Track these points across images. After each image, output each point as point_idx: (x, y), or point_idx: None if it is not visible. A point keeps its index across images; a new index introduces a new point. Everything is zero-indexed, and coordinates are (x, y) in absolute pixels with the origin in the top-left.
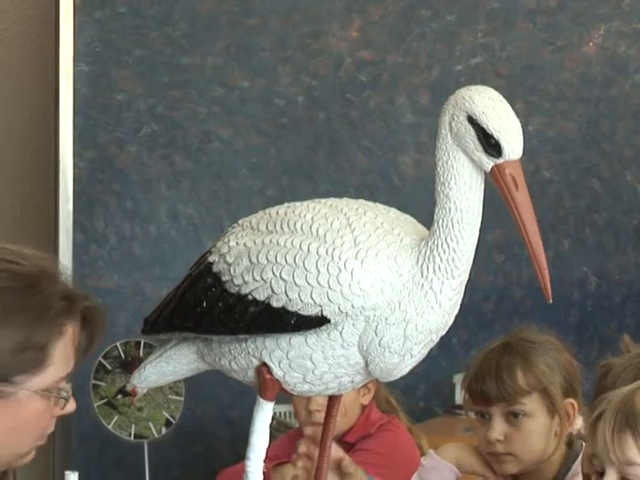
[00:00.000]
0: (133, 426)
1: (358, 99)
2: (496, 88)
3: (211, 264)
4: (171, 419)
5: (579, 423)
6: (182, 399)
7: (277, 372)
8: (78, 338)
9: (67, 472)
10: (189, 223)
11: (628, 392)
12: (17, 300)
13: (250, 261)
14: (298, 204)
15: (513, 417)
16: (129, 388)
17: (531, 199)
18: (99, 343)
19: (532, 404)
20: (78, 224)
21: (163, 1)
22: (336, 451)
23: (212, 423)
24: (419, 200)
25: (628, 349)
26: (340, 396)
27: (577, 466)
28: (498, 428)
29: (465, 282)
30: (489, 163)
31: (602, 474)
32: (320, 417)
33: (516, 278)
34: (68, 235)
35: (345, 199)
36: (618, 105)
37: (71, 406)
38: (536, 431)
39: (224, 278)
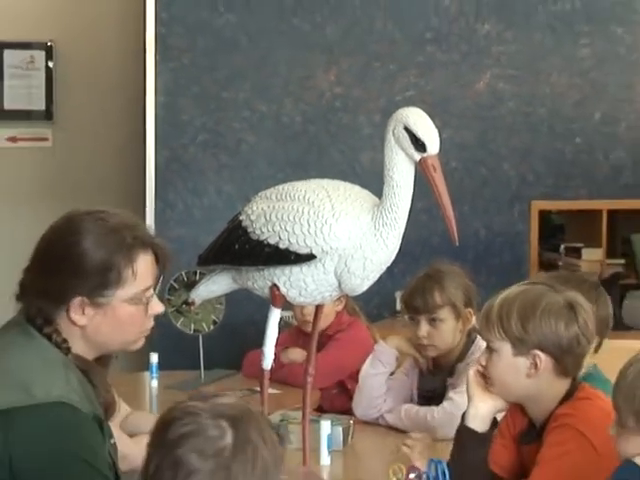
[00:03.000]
0: (192, 324)
1: (335, 118)
2: (422, 110)
3: (241, 221)
4: (217, 320)
5: (473, 321)
6: (223, 307)
7: (283, 290)
8: (153, 264)
9: (151, 353)
10: (228, 196)
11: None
12: (102, 239)
13: (265, 219)
14: (296, 182)
15: (433, 322)
16: (190, 300)
17: (444, 180)
18: (169, 266)
19: (445, 313)
20: (158, 197)
21: (211, 56)
22: None
23: (242, 323)
24: (373, 182)
25: None
26: (323, 305)
27: (473, 348)
28: (424, 329)
29: (402, 233)
30: (418, 156)
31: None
32: (310, 319)
33: (434, 231)
34: (151, 204)
35: (326, 180)
36: (498, 121)
37: (159, 307)
38: (448, 330)
39: (249, 230)
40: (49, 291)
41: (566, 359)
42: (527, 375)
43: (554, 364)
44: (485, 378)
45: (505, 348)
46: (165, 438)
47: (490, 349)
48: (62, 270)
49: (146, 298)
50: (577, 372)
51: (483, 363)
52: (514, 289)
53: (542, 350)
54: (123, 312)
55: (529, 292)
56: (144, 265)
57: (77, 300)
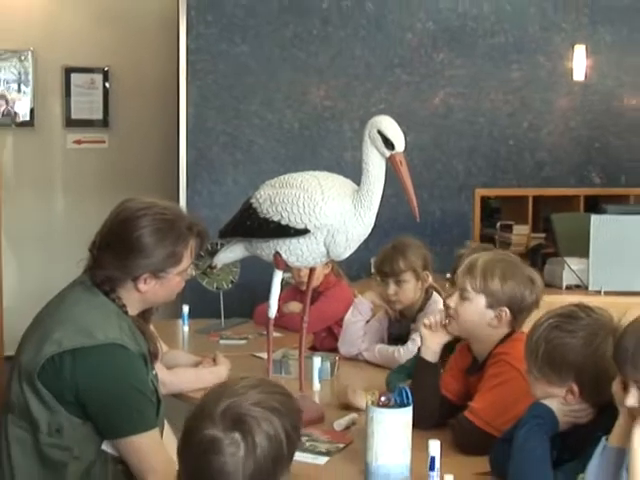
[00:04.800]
0: (215, 283)
1: (324, 125)
2: (391, 118)
3: (251, 204)
4: (233, 279)
5: (429, 281)
6: (238, 269)
7: (284, 256)
8: (194, 244)
9: (183, 305)
10: (242, 185)
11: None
12: (166, 233)
13: (270, 202)
14: (294, 174)
15: (398, 283)
16: (213, 264)
17: (409, 172)
18: (205, 245)
19: (407, 276)
20: (188, 186)
21: (229, 77)
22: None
23: (252, 283)
24: (354, 173)
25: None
26: (315, 268)
27: (430, 302)
28: (391, 289)
29: (376, 212)
30: (388, 153)
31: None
32: (305, 279)
33: (401, 211)
34: (183, 191)
35: (317, 172)
36: (450, 128)
37: (192, 273)
38: (410, 289)
39: (258, 210)
40: (124, 268)
41: (520, 317)
42: (488, 324)
43: (511, 319)
44: (449, 317)
45: (479, 300)
46: (191, 444)
47: (462, 296)
48: (136, 255)
49: (189, 269)
50: (519, 328)
51: (452, 305)
52: (494, 254)
53: (509, 308)
54: (174, 281)
55: (507, 260)
56: (192, 245)
57: (145, 275)
